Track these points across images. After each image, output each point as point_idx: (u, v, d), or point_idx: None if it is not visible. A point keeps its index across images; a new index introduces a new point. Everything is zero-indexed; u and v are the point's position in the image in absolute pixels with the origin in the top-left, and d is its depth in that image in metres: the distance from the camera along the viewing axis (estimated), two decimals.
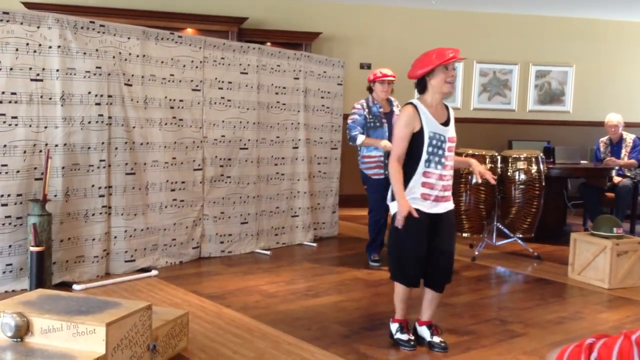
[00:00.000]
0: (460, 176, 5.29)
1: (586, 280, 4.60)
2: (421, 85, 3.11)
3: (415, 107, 3.06)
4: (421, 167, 3.03)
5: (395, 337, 3.21)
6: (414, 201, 3.03)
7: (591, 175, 6.63)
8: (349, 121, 4.84)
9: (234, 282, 4.41)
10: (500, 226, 5.45)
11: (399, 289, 3.18)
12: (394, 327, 3.24)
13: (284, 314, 3.69)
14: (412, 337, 3.21)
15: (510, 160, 5.43)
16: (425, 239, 3.07)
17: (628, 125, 7.00)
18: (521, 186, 5.37)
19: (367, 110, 4.83)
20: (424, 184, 3.04)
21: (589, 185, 6.61)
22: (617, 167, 6.42)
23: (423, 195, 3.04)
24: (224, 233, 5.22)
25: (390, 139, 4.44)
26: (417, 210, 3.00)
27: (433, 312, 3.26)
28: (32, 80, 4.00)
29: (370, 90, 4.91)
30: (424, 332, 3.23)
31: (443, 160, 3.06)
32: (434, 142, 3.03)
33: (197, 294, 4.05)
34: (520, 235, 5.44)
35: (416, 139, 3.03)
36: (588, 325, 3.62)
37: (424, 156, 3.02)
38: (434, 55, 3.02)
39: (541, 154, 5.54)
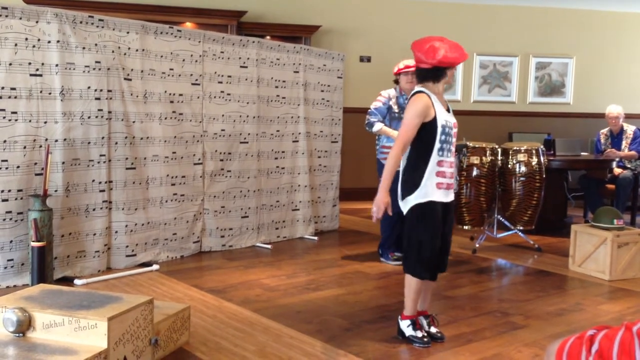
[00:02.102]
0: (461, 169, 5.30)
1: (587, 272, 4.60)
2: (438, 73, 3.04)
3: (429, 96, 3.01)
4: (434, 156, 2.99)
5: (409, 335, 3.13)
6: (428, 193, 3.00)
7: (592, 167, 6.63)
8: (372, 107, 4.76)
9: (235, 276, 4.42)
10: (500, 218, 5.45)
11: (413, 282, 3.08)
12: (404, 324, 3.16)
13: (285, 308, 3.69)
14: (426, 334, 3.14)
15: (510, 152, 5.42)
16: (441, 229, 3.06)
17: (629, 117, 7.01)
18: (522, 178, 5.37)
19: (393, 100, 4.75)
20: (438, 173, 3.00)
21: (589, 177, 6.61)
22: (617, 159, 6.42)
23: (438, 184, 3.00)
24: (225, 227, 5.22)
25: None
26: (432, 202, 2.99)
27: (429, 301, 3.30)
28: (31, 75, 4.00)
29: (396, 82, 4.87)
30: (422, 322, 3.22)
31: (451, 147, 3.07)
32: (446, 129, 3.01)
33: (198, 288, 4.05)
34: (521, 228, 5.44)
35: (428, 128, 2.99)
36: (589, 317, 3.62)
37: (437, 145, 2.98)
38: (460, 51, 3.02)
39: (541, 146, 5.53)
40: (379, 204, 2.95)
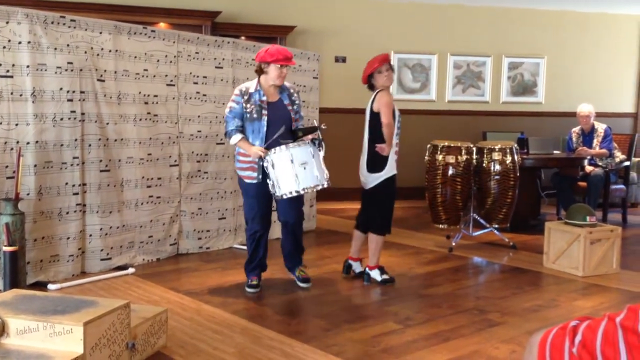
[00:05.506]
0: (436, 168, 5.33)
1: (561, 269, 4.68)
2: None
3: None
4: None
5: (382, 279, 4.19)
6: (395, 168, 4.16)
7: (564, 165, 6.73)
8: (227, 111, 3.95)
9: (212, 278, 4.39)
10: (476, 217, 5.51)
11: (381, 240, 4.21)
12: (375, 272, 4.21)
13: (263, 309, 3.68)
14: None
15: (485, 151, 5.48)
16: None
17: (599, 116, 7.12)
18: (496, 177, 5.43)
19: (246, 97, 3.91)
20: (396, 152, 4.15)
21: (561, 175, 6.71)
22: (589, 157, 6.53)
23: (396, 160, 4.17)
24: (202, 229, 5.18)
25: (268, 135, 3.85)
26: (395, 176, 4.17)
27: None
28: (1, 76, 3.92)
29: (260, 72, 3.94)
30: (357, 266, 4.38)
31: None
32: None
33: (176, 291, 4.02)
34: (496, 226, 5.50)
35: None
36: (564, 313, 3.68)
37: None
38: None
39: (515, 145, 5.60)
40: None
